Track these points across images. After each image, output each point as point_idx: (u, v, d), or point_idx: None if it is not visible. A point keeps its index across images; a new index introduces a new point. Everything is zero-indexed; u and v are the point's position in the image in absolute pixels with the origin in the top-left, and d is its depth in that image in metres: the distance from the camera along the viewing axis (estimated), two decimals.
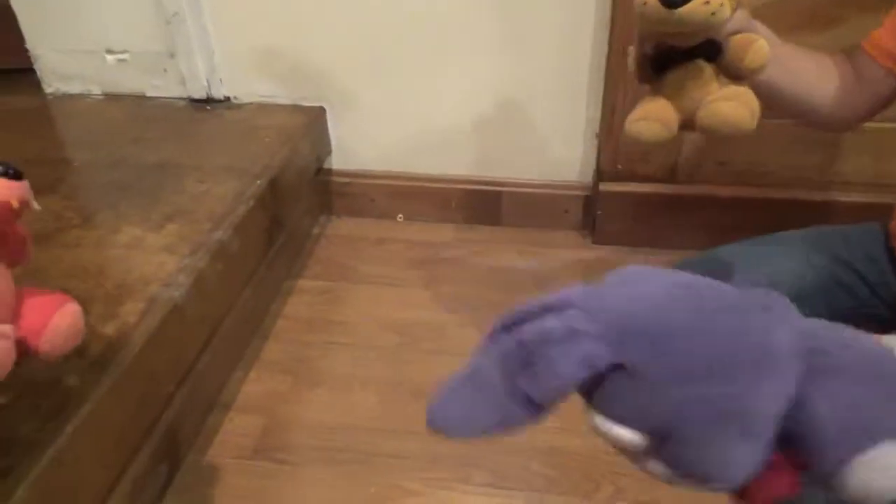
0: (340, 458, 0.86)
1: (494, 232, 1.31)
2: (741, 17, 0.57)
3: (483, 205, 1.31)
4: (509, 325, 0.31)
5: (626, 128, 0.57)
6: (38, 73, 1.31)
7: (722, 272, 0.75)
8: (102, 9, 1.21)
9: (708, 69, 0.57)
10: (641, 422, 0.29)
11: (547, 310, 0.30)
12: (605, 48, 1.11)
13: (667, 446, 0.29)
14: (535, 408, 0.30)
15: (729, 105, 0.54)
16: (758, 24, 0.61)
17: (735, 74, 0.56)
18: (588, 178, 1.26)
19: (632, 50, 0.60)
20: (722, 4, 0.52)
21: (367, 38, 1.17)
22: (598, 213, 1.23)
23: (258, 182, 1.01)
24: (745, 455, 0.28)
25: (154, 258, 0.82)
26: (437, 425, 0.30)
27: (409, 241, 1.30)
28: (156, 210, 0.92)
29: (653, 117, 0.56)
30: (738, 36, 0.56)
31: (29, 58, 1.29)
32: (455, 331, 1.06)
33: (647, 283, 0.31)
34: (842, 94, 0.69)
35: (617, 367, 0.29)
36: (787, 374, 0.27)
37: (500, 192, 1.30)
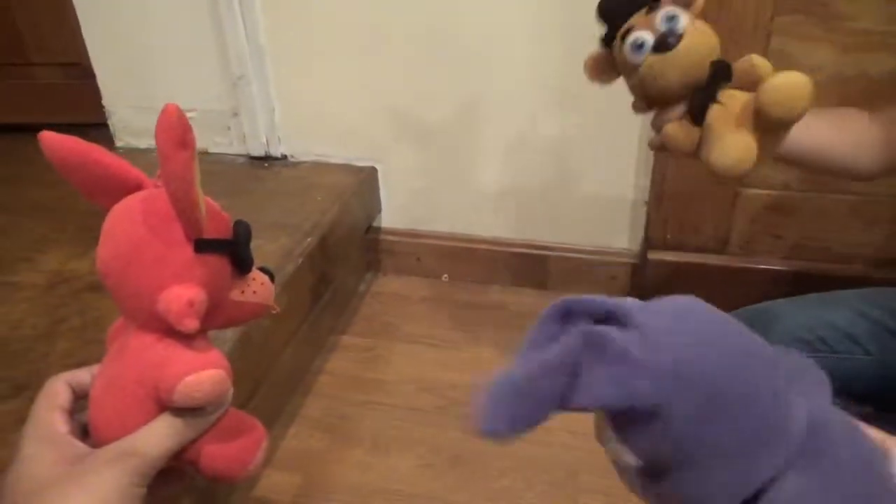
0: None
1: (540, 296, 1.30)
2: None
3: (529, 268, 1.31)
4: (568, 315, 0.31)
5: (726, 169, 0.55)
6: (111, 128, 1.39)
7: (769, 325, 0.78)
8: (175, 70, 1.29)
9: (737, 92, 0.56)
10: (649, 453, 0.30)
11: (610, 315, 0.30)
12: None
13: (661, 474, 0.30)
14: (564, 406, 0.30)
15: (786, 77, 0.51)
16: None
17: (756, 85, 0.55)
18: (637, 245, 1.25)
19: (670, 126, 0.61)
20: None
21: (417, 100, 1.21)
22: (647, 281, 1.21)
23: (308, 240, 1.04)
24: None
25: None
26: (488, 433, 0.29)
27: (454, 301, 1.30)
28: None
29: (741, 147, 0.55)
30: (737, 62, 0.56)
31: (104, 113, 1.38)
32: None
33: (709, 330, 0.31)
34: (859, 149, 0.71)
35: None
36: (782, 455, 0.29)
37: (547, 256, 1.29)
